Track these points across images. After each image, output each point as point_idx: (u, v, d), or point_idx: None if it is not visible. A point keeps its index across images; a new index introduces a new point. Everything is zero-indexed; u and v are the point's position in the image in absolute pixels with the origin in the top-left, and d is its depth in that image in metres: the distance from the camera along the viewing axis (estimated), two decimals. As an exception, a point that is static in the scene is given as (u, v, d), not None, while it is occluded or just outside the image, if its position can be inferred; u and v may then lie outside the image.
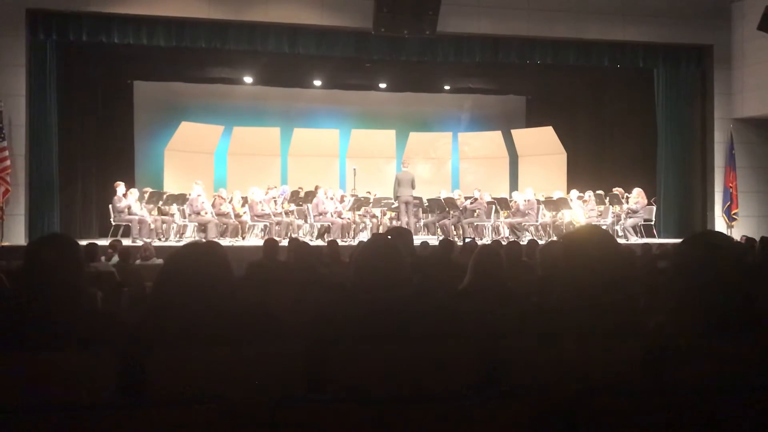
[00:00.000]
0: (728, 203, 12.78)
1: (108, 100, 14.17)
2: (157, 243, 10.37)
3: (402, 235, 4.28)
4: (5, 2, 10.77)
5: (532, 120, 17.12)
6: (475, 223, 12.50)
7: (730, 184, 12.77)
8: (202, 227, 11.66)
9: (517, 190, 14.02)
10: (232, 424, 1.65)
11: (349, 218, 12.33)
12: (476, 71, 14.86)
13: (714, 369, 1.86)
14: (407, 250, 4.09)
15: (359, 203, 12.53)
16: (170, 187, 13.14)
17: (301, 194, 12.80)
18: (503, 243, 8.31)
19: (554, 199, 12.65)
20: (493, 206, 12.43)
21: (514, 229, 12.45)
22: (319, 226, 12.20)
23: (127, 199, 11.34)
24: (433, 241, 9.85)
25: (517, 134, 16.18)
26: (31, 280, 2.32)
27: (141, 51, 12.42)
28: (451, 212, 12.62)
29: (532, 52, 12.70)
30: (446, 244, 6.07)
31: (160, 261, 7.54)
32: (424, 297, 2.36)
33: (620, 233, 12.10)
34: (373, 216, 12.97)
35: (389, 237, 4.77)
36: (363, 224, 12.73)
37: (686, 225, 13.01)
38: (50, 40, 11.19)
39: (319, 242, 10.78)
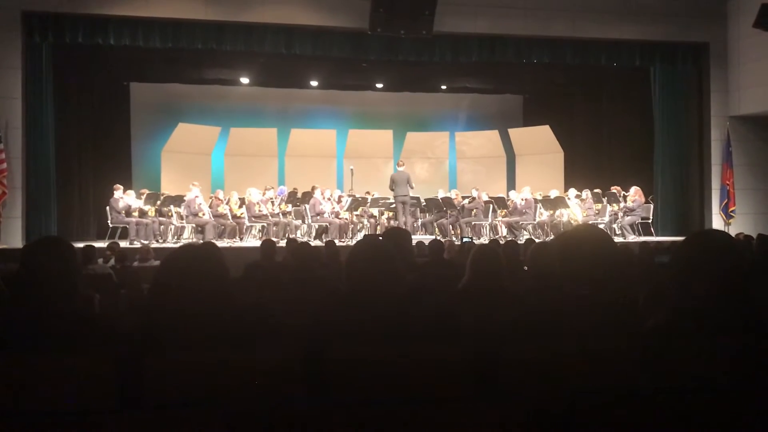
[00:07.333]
0: (725, 200, 12.79)
1: (104, 102, 14.16)
2: (154, 245, 10.35)
3: (400, 235, 4.26)
4: (0, 5, 10.75)
5: (530, 119, 17.13)
6: (473, 223, 12.50)
7: (727, 182, 12.78)
8: (200, 228, 11.65)
9: (514, 189, 14.03)
10: (229, 427, 1.64)
11: (346, 218, 12.32)
12: (473, 71, 14.85)
13: (713, 369, 1.85)
14: (405, 251, 4.08)
15: (357, 203, 12.52)
16: (167, 188, 13.13)
17: (298, 194, 12.78)
18: (501, 242, 8.32)
19: (552, 197, 12.66)
20: (491, 205, 12.44)
21: (511, 228, 12.45)
22: (316, 227, 12.19)
23: (127, 198, 11.38)
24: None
25: (515, 133, 16.19)
26: (27, 283, 2.32)
27: (137, 52, 12.41)
28: (449, 212, 12.62)
29: (528, 51, 12.69)
30: (434, 244, 6.06)
31: (157, 263, 7.52)
32: (419, 297, 2.35)
33: (618, 231, 12.12)
34: (371, 216, 12.96)
35: (380, 237, 4.77)
36: (361, 224, 12.73)
37: (684, 223, 13.05)
38: (46, 42, 11.15)
39: (317, 243, 10.77)
